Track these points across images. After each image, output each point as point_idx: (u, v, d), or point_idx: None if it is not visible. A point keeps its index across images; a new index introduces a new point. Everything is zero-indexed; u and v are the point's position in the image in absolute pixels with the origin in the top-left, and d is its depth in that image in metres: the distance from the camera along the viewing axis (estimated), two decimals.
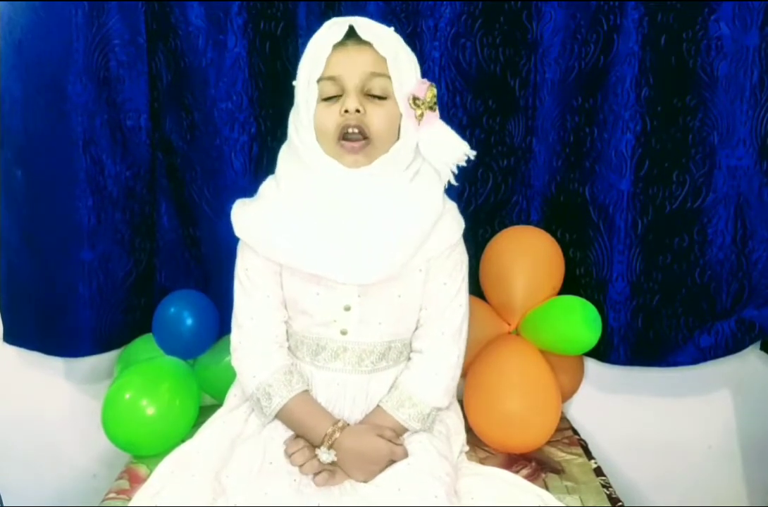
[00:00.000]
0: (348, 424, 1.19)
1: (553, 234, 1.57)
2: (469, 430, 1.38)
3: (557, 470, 1.38)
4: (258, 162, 1.54)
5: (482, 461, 1.37)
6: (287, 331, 1.26)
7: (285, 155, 1.21)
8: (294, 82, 1.18)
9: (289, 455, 1.15)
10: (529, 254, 1.51)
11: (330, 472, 1.15)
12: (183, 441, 1.30)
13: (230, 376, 1.32)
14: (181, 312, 1.51)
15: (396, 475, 1.13)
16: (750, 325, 1.51)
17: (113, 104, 1.51)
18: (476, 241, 1.56)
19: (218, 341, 1.56)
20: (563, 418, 1.57)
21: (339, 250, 1.14)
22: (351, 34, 1.13)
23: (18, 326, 1.60)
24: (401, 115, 1.15)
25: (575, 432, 1.55)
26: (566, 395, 1.57)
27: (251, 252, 1.20)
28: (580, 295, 1.49)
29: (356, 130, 1.12)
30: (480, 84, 1.52)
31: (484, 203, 1.60)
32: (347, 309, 1.19)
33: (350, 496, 1.12)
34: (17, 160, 1.51)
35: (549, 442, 1.45)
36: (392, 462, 1.15)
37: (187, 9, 1.47)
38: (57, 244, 1.52)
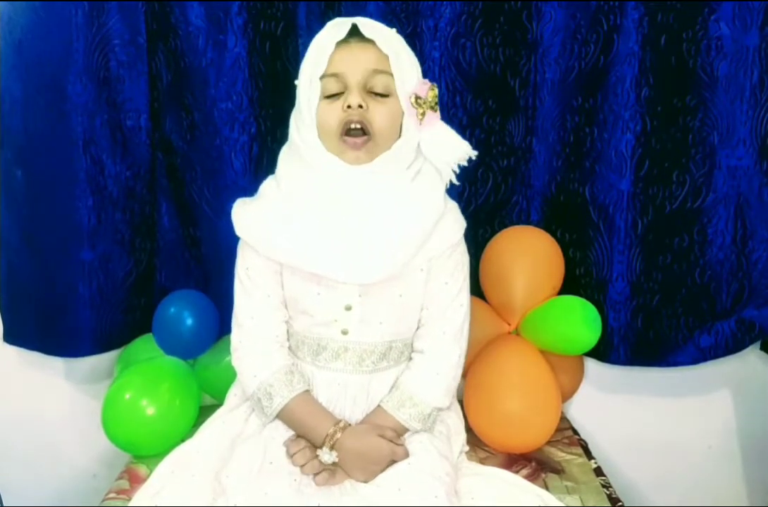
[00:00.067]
0: (349, 425, 1.19)
1: (553, 234, 1.57)
2: (469, 430, 1.38)
3: (557, 470, 1.38)
4: (258, 162, 1.54)
5: (482, 461, 1.37)
6: (288, 331, 1.26)
7: (285, 156, 1.21)
8: (296, 82, 1.18)
9: (290, 455, 1.15)
10: (529, 254, 1.51)
11: (330, 472, 1.15)
12: (183, 441, 1.30)
13: (230, 376, 1.32)
14: (181, 312, 1.51)
15: (396, 475, 1.13)
16: (750, 325, 1.51)
17: (113, 104, 1.51)
18: (476, 241, 1.56)
19: (218, 341, 1.56)
20: (563, 418, 1.57)
21: (340, 250, 1.14)
22: (354, 32, 1.13)
23: (18, 326, 1.60)
24: (403, 113, 1.15)
25: (575, 432, 1.55)
26: (566, 395, 1.57)
27: (252, 251, 1.20)
28: (580, 295, 1.49)
29: (359, 126, 1.12)
30: (480, 84, 1.52)
31: (484, 203, 1.60)
32: (348, 309, 1.19)
33: (350, 496, 1.12)
34: (17, 160, 1.51)
35: (549, 442, 1.45)
36: (393, 462, 1.15)
37: (187, 9, 1.47)
38: (57, 244, 1.52)
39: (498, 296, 1.53)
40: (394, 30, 1.16)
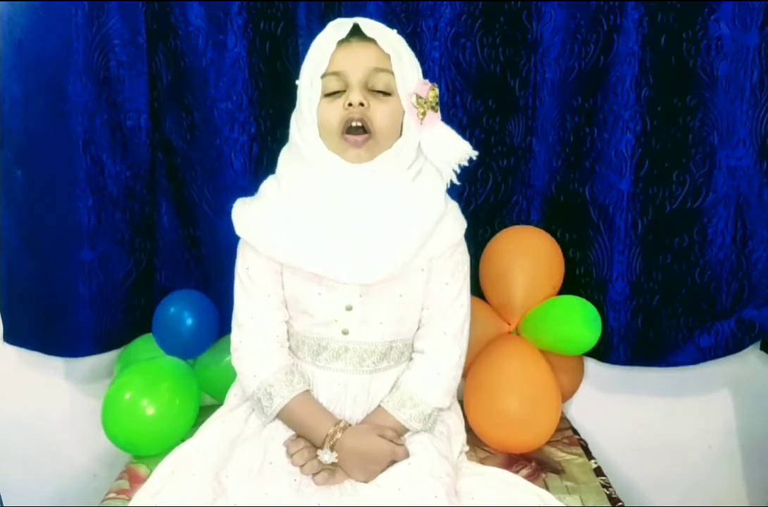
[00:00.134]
0: (349, 425, 1.19)
1: (553, 234, 1.57)
2: (469, 430, 1.38)
3: (557, 470, 1.38)
4: (258, 162, 1.54)
5: (482, 461, 1.37)
6: (288, 331, 1.26)
7: (286, 157, 1.21)
8: (297, 82, 1.18)
9: (290, 456, 1.15)
10: (529, 254, 1.51)
11: (330, 472, 1.15)
12: (183, 441, 1.30)
13: (230, 376, 1.32)
14: (181, 312, 1.51)
15: (396, 475, 1.13)
16: (750, 325, 1.51)
17: (113, 104, 1.51)
18: (476, 241, 1.56)
19: (218, 341, 1.56)
20: (563, 418, 1.57)
21: (340, 250, 1.14)
22: (355, 32, 1.14)
23: (18, 326, 1.61)
24: (404, 112, 1.15)
25: (575, 432, 1.55)
26: (566, 395, 1.57)
27: (252, 251, 1.19)
28: (580, 295, 1.49)
29: (359, 124, 1.12)
30: (480, 84, 1.52)
31: (484, 203, 1.60)
32: (349, 309, 1.19)
33: (350, 496, 1.12)
34: (17, 160, 1.51)
35: (549, 442, 1.45)
36: (393, 462, 1.15)
37: (187, 9, 1.47)
38: (57, 244, 1.52)
39: (498, 296, 1.53)
40: (395, 31, 1.17)
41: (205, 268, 1.64)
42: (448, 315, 1.23)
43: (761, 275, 1.51)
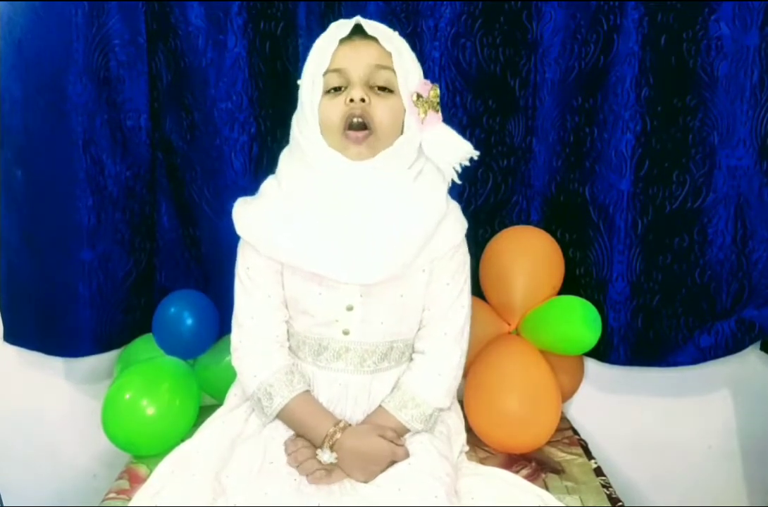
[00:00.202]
0: (349, 425, 1.19)
1: (553, 234, 1.57)
2: (469, 430, 1.38)
3: (557, 470, 1.38)
4: (258, 162, 1.54)
5: (482, 461, 1.37)
6: (288, 331, 1.25)
7: (286, 157, 1.21)
8: (299, 81, 1.18)
9: (288, 455, 1.15)
10: (529, 254, 1.51)
11: (326, 471, 1.14)
12: (183, 441, 1.30)
13: (230, 376, 1.31)
14: (181, 312, 1.51)
15: (396, 476, 1.13)
16: (750, 325, 1.51)
17: (113, 104, 1.51)
18: (476, 241, 1.56)
19: (218, 341, 1.56)
20: (563, 418, 1.57)
21: (341, 250, 1.14)
22: (356, 31, 1.14)
23: (18, 326, 1.61)
24: (405, 110, 1.15)
25: (575, 432, 1.55)
26: (566, 395, 1.57)
27: (252, 251, 1.19)
28: (580, 295, 1.49)
29: (360, 120, 1.12)
30: (480, 84, 1.52)
31: (484, 203, 1.60)
32: (349, 309, 1.18)
33: (351, 496, 1.12)
34: (17, 160, 1.51)
35: (549, 442, 1.45)
36: (393, 463, 1.15)
37: (187, 9, 1.47)
38: (57, 244, 1.52)
39: (498, 296, 1.53)
40: (396, 33, 1.17)
41: (205, 268, 1.63)
42: (449, 316, 1.23)
43: (761, 275, 1.51)
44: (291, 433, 1.20)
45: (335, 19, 1.20)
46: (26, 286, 1.57)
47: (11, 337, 1.61)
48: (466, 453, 1.34)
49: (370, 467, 1.14)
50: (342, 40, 1.13)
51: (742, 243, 1.51)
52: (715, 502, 1.74)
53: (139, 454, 1.43)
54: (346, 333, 1.20)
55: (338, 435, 1.15)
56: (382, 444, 1.15)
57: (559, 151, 1.56)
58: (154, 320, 1.54)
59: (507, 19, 1.49)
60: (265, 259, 1.19)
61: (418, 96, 1.14)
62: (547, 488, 1.30)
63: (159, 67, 1.53)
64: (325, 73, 1.13)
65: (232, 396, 1.33)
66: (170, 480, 1.20)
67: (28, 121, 1.48)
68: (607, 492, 1.32)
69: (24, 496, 1.74)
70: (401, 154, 1.16)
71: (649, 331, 1.55)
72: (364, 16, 1.18)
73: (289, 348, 1.25)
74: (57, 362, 1.67)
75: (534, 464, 1.39)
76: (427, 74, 1.21)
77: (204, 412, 1.46)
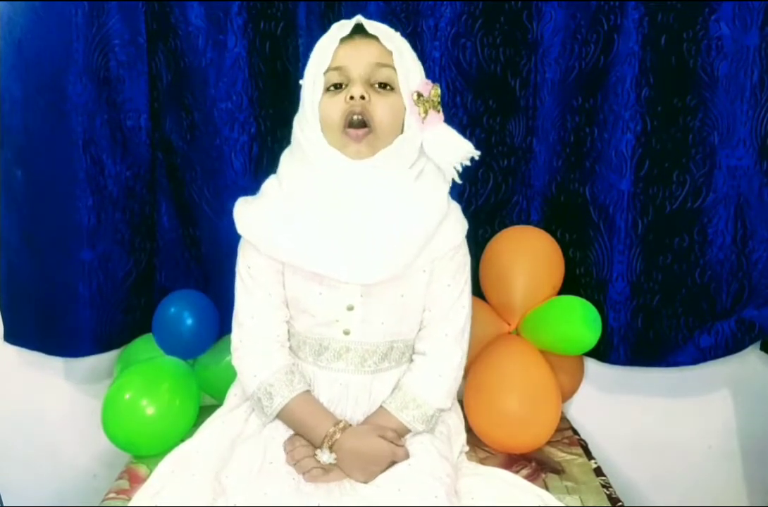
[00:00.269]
0: (350, 425, 1.19)
1: (553, 234, 1.57)
2: (469, 430, 1.38)
3: (557, 470, 1.38)
4: (258, 162, 1.54)
5: (482, 461, 1.37)
6: (289, 331, 1.25)
7: (287, 157, 1.21)
8: (300, 81, 1.18)
9: (286, 454, 1.15)
10: (529, 254, 1.51)
11: (323, 470, 1.14)
12: (183, 441, 1.30)
13: (230, 376, 1.32)
14: (181, 312, 1.51)
15: (396, 476, 1.13)
16: (750, 325, 1.51)
17: (113, 104, 1.51)
18: (476, 241, 1.56)
19: (218, 341, 1.56)
20: (563, 418, 1.57)
21: (342, 249, 1.14)
22: (357, 30, 1.14)
23: (18, 326, 1.60)
24: (406, 109, 1.15)
25: (575, 432, 1.55)
26: (566, 395, 1.57)
27: (253, 250, 1.19)
28: (580, 295, 1.49)
29: (360, 117, 1.12)
30: (480, 84, 1.52)
31: (484, 203, 1.60)
32: (350, 309, 1.18)
33: (350, 496, 1.12)
34: (17, 160, 1.51)
35: (549, 442, 1.45)
36: (393, 463, 1.15)
37: (187, 9, 1.47)
38: (57, 244, 1.52)
39: (498, 296, 1.53)
40: (398, 34, 1.17)
41: (205, 268, 1.63)
42: (450, 316, 1.23)
43: (761, 275, 1.51)
44: (291, 433, 1.20)
45: (335, 19, 1.20)
46: (26, 286, 1.57)
47: (11, 337, 1.61)
48: (466, 453, 1.34)
49: (369, 467, 1.14)
50: (343, 39, 1.14)
51: (742, 243, 1.51)
52: (715, 502, 1.74)
53: (139, 454, 1.43)
54: (346, 333, 1.20)
55: (338, 435, 1.15)
56: (382, 444, 1.15)
57: (560, 151, 1.56)
58: (154, 320, 1.54)
59: (507, 19, 1.49)
60: (266, 259, 1.19)
61: (419, 95, 1.14)
62: (547, 488, 1.30)
63: (159, 67, 1.53)
64: (325, 72, 1.14)
65: (232, 396, 1.32)
66: (170, 480, 1.20)
67: (28, 121, 1.48)
68: (607, 492, 1.32)
69: (24, 496, 1.74)
70: (401, 153, 1.16)
71: (649, 331, 1.55)
72: (365, 16, 1.18)
73: (290, 348, 1.25)
74: (57, 362, 1.67)
75: (534, 464, 1.39)
76: (428, 74, 1.21)
77: (204, 412, 1.46)
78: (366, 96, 1.12)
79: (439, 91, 1.16)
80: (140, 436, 1.40)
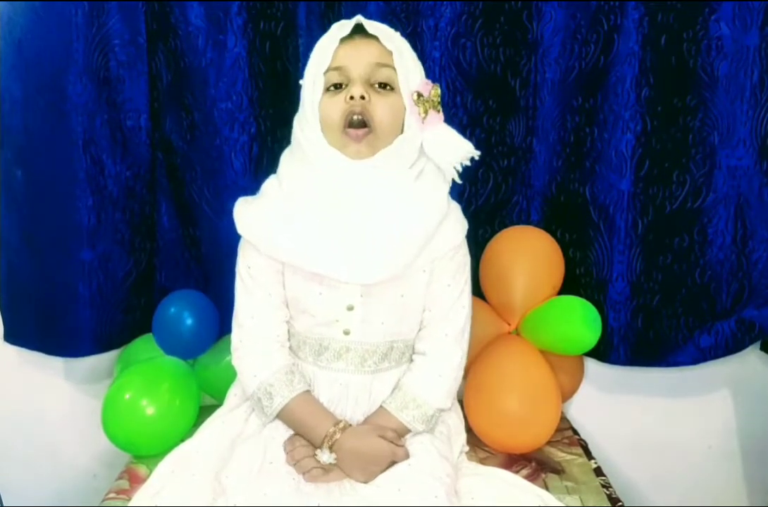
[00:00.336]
0: (350, 425, 1.19)
1: (553, 234, 1.57)
2: (469, 430, 1.38)
3: (557, 470, 1.38)
4: (258, 162, 1.54)
5: (482, 461, 1.37)
6: (289, 331, 1.25)
7: (287, 157, 1.21)
8: (301, 81, 1.18)
9: (286, 454, 1.15)
10: (529, 254, 1.51)
11: (323, 470, 1.14)
12: (183, 441, 1.30)
13: (230, 376, 1.32)
14: (181, 312, 1.51)
15: (396, 476, 1.13)
16: (750, 325, 1.51)
17: (113, 104, 1.51)
18: (476, 241, 1.56)
19: (218, 341, 1.56)
20: (563, 418, 1.57)
21: (342, 249, 1.14)
22: (358, 30, 1.14)
23: (18, 326, 1.61)
24: (405, 109, 1.15)
25: (575, 432, 1.55)
26: (566, 395, 1.57)
27: (253, 250, 1.19)
28: (580, 295, 1.49)
29: (360, 117, 1.12)
30: (480, 84, 1.52)
31: (484, 203, 1.60)
32: (350, 309, 1.18)
33: (350, 496, 1.12)
34: (17, 160, 1.51)
35: (549, 442, 1.45)
36: (393, 463, 1.15)
37: (187, 9, 1.47)
38: (57, 244, 1.52)
39: (498, 296, 1.53)
40: (398, 34, 1.17)
41: (205, 268, 1.63)
42: (450, 316, 1.23)
43: (761, 275, 1.51)
44: (291, 433, 1.20)
45: (335, 19, 1.20)
46: (26, 286, 1.57)
47: (11, 337, 1.61)
48: (466, 453, 1.34)
49: (369, 467, 1.14)
50: (343, 39, 1.14)
51: (742, 243, 1.51)
52: (715, 502, 1.74)
53: (139, 454, 1.43)
54: (346, 333, 1.20)
55: (338, 435, 1.15)
56: (382, 444, 1.15)
57: (560, 151, 1.56)
58: (154, 320, 1.54)
59: (507, 19, 1.49)
60: (266, 259, 1.19)
61: (419, 95, 1.14)
62: (547, 488, 1.30)
63: (159, 67, 1.53)
64: (325, 72, 1.14)
65: (232, 396, 1.32)
66: (170, 480, 1.20)
67: (28, 121, 1.48)
68: (607, 492, 1.32)
69: (24, 496, 1.74)
70: (401, 153, 1.16)
71: (649, 331, 1.55)
72: (365, 16, 1.18)
73: (290, 348, 1.25)
74: (57, 362, 1.67)
75: (534, 464, 1.39)
76: (428, 74, 1.21)
77: (204, 412, 1.46)
78: (366, 96, 1.12)
79: (439, 91, 1.16)
80: (140, 436, 1.40)
